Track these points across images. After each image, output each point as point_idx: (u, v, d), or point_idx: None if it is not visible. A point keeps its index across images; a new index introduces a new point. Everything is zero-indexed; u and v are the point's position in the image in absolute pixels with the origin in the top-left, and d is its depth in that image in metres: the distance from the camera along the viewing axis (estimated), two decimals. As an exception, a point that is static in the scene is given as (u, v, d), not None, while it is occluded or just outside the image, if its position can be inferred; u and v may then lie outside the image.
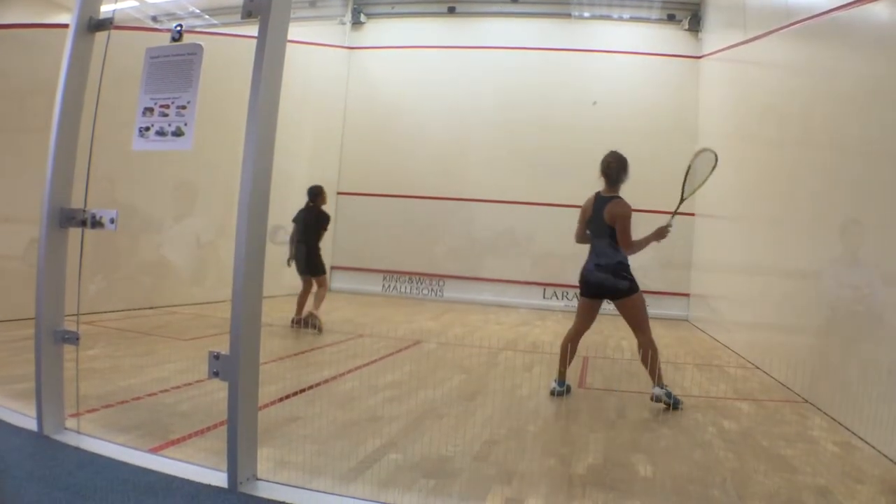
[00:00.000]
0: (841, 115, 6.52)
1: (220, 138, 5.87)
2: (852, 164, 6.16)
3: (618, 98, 14.94)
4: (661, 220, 6.08)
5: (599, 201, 6.25)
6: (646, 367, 6.12)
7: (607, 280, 6.16)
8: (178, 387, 5.40)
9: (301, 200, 9.09)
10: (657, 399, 5.97)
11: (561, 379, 6.28)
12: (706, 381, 7.53)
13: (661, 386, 5.99)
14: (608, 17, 15.73)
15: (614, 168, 6.22)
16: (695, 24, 15.00)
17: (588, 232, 6.36)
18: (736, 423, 5.49)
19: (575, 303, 14.18)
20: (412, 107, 15.69)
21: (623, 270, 6.16)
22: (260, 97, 3.17)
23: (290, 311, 9.35)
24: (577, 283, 6.50)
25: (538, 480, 3.89)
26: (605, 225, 6.11)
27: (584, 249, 6.36)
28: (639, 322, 6.20)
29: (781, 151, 8.33)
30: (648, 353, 6.09)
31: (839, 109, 6.56)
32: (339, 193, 15.64)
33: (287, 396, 5.44)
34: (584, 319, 6.41)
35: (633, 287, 6.18)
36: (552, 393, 6.22)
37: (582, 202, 6.40)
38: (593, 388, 6.88)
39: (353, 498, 3.35)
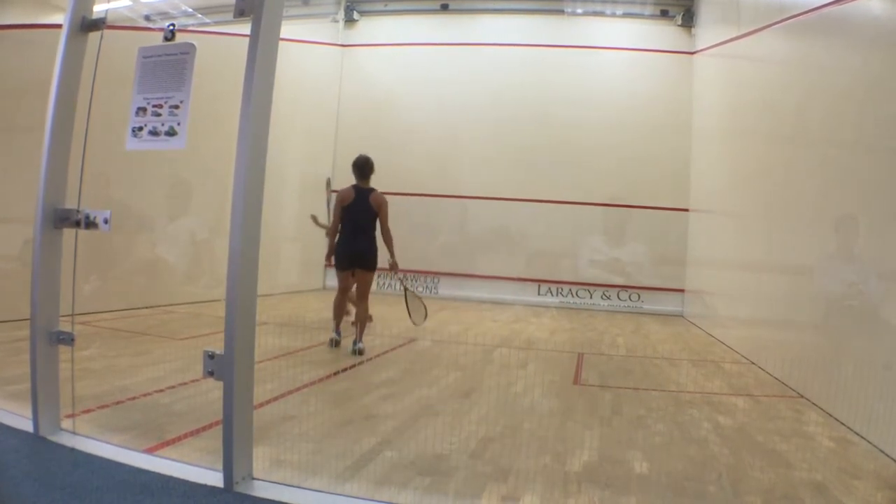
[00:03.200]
0: (835, 111, 6.53)
1: (213, 137, 5.86)
2: (847, 159, 6.17)
3: (611, 95, 14.97)
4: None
5: (362, 192, 7.60)
6: (358, 328, 7.56)
7: (366, 253, 7.49)
8: (173, 386, 5.39)
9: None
10: (360, 352, 7.39)
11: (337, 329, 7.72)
12: (701, 376, 7.55)
13: (360, 341, 7.49)
14: (601, 14, 15.74)
15: (370, 166, 7.82)
16: (688, 19, 15.02)
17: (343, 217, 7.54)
18: (731, 419, 5.50)
19: (570, 299, 14.34)
20: (406, 104, 15.67)
21: (376, 247, 7.55)
22: (253, 95, 3.16)
23: (285, 309, 9.33)
24: (340, 259, 7.61)
25: (534, 478, 3.89)
26: (370, 210, 7.49)
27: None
28: (368, 291, 7.73)
29: (775, 147, 8.34)
30: (366, 316, 7.77)
31: (834, 105, 6.57)
32: (332, 191, 15.62)
33: (282, 395, 5.44)
34: (349, 284, 7.82)
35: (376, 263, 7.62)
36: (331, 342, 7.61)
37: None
38: (588, 385, 6.89)
39: (349, 496, 3.35)
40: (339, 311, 7.87)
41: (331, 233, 7.89)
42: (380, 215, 7.53)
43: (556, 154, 14.68)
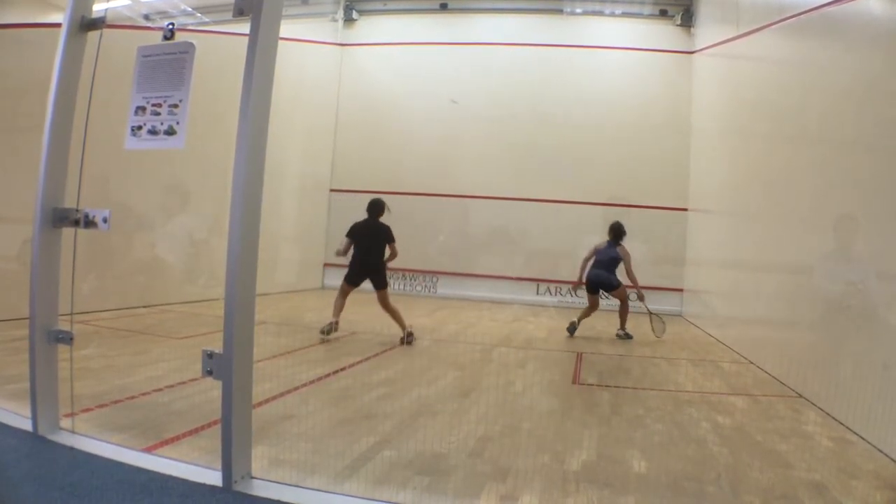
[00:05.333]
0: (834, 111, 6.53)
1: (212, 136, 5.87)
2: (846, 159, 6.17)
3: (610, 94, 14.98)
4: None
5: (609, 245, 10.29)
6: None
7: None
8: (172, 386, 5.39)
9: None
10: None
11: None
12: (700, 376, 7.55)
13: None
14: (600, 13, 15.76)
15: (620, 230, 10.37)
16: (687, 19, 15.02)
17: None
18: (730, 419, 5.51)
19: (568, 298, 14.33)
20: (405, 103, 15.68)
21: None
22: (252, 95, 3.16)
23: (285, 309, 9.34)
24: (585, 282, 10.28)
25: (532, 477, 3.89)
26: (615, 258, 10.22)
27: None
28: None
29: (774, 146, 8.34)
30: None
31: (832, 104, 6.57)
32: (331, 190, 15.65)
33: (281, 394, 5.44)
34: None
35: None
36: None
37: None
38: (587, 385, 6.89)
39: (348, 496, 3.35)
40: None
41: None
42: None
43: (555, 153, 14.69)
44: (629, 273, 10.12)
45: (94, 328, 7.57)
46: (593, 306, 10.42)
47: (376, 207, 8.78)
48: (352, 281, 8.67)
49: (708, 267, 12.44)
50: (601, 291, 10.36)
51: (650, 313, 10.41)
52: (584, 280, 10.30)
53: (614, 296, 10.30)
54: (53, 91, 3.77)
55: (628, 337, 10.12)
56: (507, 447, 4.47)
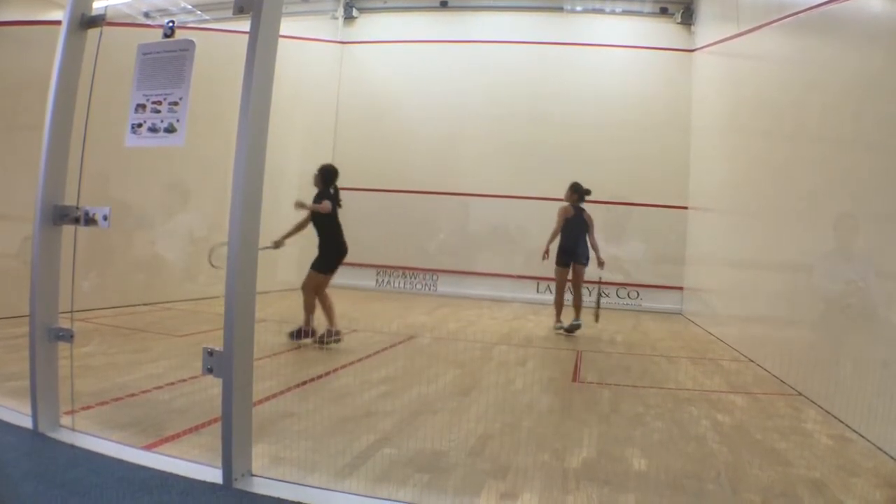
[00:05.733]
0: (834, 109, 6.53)
1: (212, 134, 5.86)
2: (845, 157, 6.17)
3: (610, 92, 14.94)
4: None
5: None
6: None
7: None
8: (172, 383, 5.39)
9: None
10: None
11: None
12: (700, 374, 7.55)
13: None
14: (601, 11, 15.71)
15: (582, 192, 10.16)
16: (687, 17, 14.99)
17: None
18: (730, 417, 5.51)
19: (568, 297, 14.29)
20: (405, 101, 15.65)
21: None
22: (252, 93, 3.17)
23: (285, 307, 9.32)
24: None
25: (532, 475, 3.89)
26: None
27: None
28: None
29: (774, 144, 8.34)
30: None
31: (832, 102, 6.57)
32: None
33: (281, 392, 5.44)
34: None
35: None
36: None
37: None
38: (587, 383, 6.89)
39: (348, 493, 3.35)
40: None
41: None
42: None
43: (555, 151, 14.65)
44: (591, 239, 9.99)
45: (94, 326, 7.57)
46: (563, 283, 10.17)
47: (334, 174, 8.21)
48: (329, 268, 7.85)
49: (708, 265, 12.43)
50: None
51: (598, 306, 10.40)
52: (548, 251, 10.03)
53: (576, 273, 9.99)
54: (53, 89, 3.77)
55: (577, 328, 9.75)
56: (506, 445, 4.47)
